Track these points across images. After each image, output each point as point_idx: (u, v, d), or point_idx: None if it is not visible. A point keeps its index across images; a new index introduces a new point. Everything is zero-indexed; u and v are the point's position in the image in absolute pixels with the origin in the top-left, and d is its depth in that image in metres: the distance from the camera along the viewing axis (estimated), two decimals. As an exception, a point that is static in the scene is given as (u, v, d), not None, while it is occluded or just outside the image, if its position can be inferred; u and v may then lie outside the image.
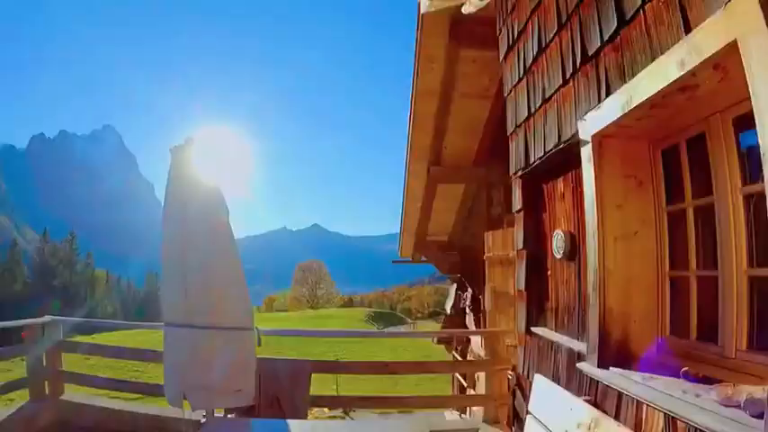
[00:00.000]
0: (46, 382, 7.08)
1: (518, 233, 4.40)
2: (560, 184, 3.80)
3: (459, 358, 11.21)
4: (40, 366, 7.01)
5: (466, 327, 11.03)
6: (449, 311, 11.66)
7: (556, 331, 3.83)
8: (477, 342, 9.17)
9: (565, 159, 3.57)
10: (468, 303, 10.69)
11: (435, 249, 11.43)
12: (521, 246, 4.33)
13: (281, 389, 5.39)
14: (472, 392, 9.06)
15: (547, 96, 3.73)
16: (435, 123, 8.36)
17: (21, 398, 7.08)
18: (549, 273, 3.99)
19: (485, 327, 8.76)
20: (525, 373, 4.30)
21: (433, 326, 72.77)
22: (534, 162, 3.97)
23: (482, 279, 9.01)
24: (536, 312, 4.18)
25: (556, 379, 3.64)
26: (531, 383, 3.91)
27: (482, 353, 9.52)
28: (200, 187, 4.19)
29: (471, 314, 10.60)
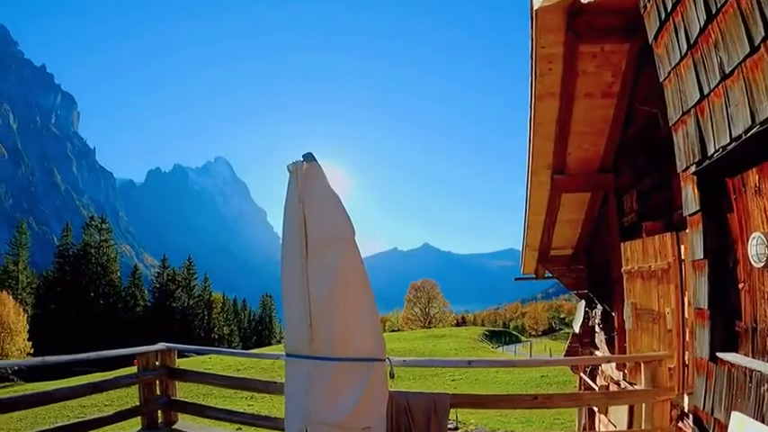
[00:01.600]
0: (159, 411, 7.03)
1: (695, 240, 3.64)
2: (754, 176, 3.07)
3: (589, 381, 10.34)
4: (153, 394, 6.97)
5: (595, 346, 10.22)
6: (577, 330, 10.79)
7: (755, 358, 3.10)
8: (610, 364, 8.42)
9: (760, 145, 2.87)
10: (597, 321, 9.87)
11: (560, 264, 10.63)
12: (700, 255, 3.57)
13: (416, 426, 4.87)
14: (607, 422, 8.28)
15: (727, 71, 3.04)
16: (557, 128, 7.70)
17: (133, 426, 7.04)
18: (742, 286, 3.24)
19: (621, 347, 7.97)
20: (709, 409, 3.53)
21: (549, 343, 70.69)
22: (715, 153, 3.24)
23: (615, 294, 8.29)
24: (723, 335, 3.41)
25: (760, 418, 2.91)
26: (715, 421, 3.28)
27: (616, 375, 8.70)
28: (322, 205, 3.88)
29: (602, 332, 9.79)
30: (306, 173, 3.87)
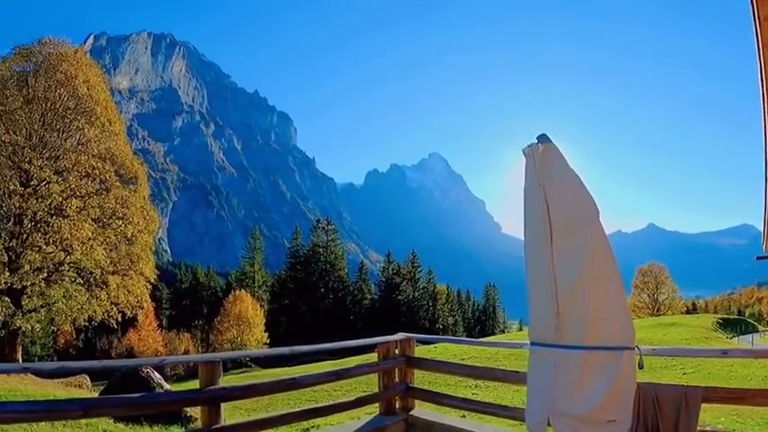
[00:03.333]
0: (397, 398, 7.22)
1: None
2: None
3: None
4: (392, 382, 7.32)
5: None
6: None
7: None
8: None
9: None
10: None
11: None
12: None
13: (664, 420, 4.47)
14: None
15: None
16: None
17: (371, 412, 7.27)
18: None
19: None
20: None
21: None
22: None
23: None
24: None
25: None
26: None
27: None
28: (564, 186, 3.77)
29: None
30: (543, 155, 3.81)
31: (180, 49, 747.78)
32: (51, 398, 13.47)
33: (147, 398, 6.41)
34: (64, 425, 10.42)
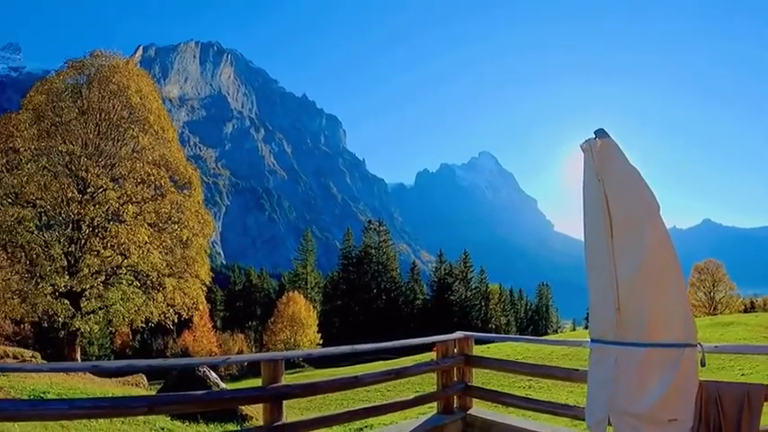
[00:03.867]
0: (455, 397, 7.13)
1: None
2: None
3: None
4: (450, 381, 7.35)
5: None
6: None
7: None
8: None
9: None
10: None
11: None
12: None
13: (726, 419, 4.23)
14: None
15: None
16: None
17: (424, 412, 7.14)
18: None
19: None
20: None
21: None
22: None
23: None
24: None
25: None
26: None
27: None
28: (623, 181, 3.74)
29: None
30: (601, 150, 3.79)
31: (227, 57, 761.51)
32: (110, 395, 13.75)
33: (211, 395, 6.70)
34: (122, 422, 10.64)
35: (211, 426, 11.21)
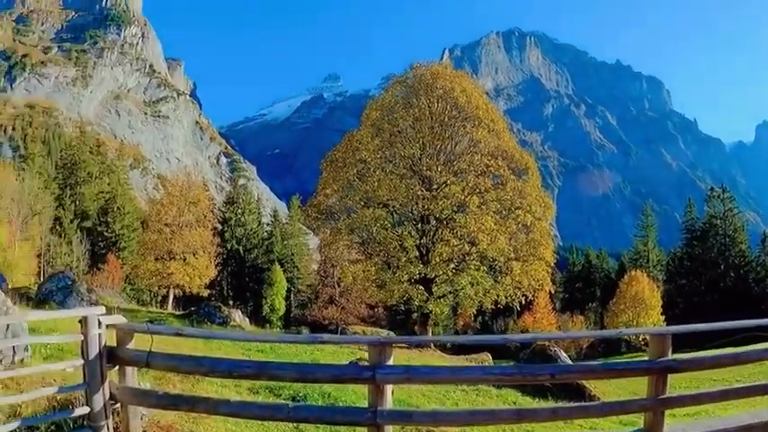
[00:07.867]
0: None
1: None
2: None
3: None
4: None
5: None
6: None
7: None
8: None
9: None
10: None
11: None
12: None
13: None
14: None
15: None
16: None
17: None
18: None
19: None
20: None
21: None
22: None
23: None
24: None
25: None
26: None
27: None
28: None
29: None
30: None
31: (531, 40, 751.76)
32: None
33: (606, 366, 7.60)
34: (477, 394, 11.87)
35: (560, 402, 11.55)
